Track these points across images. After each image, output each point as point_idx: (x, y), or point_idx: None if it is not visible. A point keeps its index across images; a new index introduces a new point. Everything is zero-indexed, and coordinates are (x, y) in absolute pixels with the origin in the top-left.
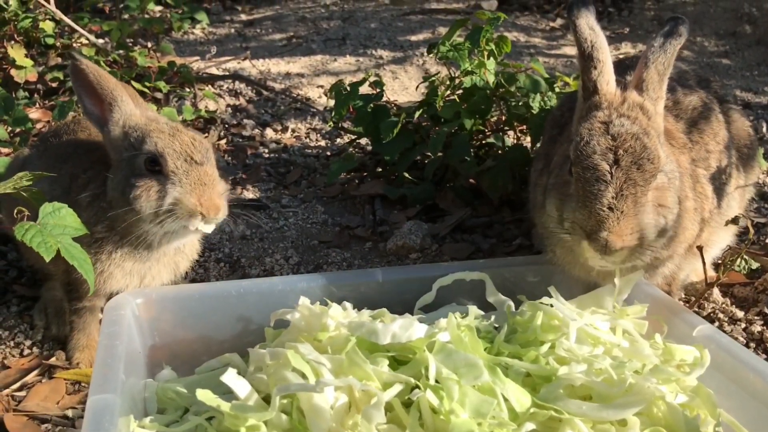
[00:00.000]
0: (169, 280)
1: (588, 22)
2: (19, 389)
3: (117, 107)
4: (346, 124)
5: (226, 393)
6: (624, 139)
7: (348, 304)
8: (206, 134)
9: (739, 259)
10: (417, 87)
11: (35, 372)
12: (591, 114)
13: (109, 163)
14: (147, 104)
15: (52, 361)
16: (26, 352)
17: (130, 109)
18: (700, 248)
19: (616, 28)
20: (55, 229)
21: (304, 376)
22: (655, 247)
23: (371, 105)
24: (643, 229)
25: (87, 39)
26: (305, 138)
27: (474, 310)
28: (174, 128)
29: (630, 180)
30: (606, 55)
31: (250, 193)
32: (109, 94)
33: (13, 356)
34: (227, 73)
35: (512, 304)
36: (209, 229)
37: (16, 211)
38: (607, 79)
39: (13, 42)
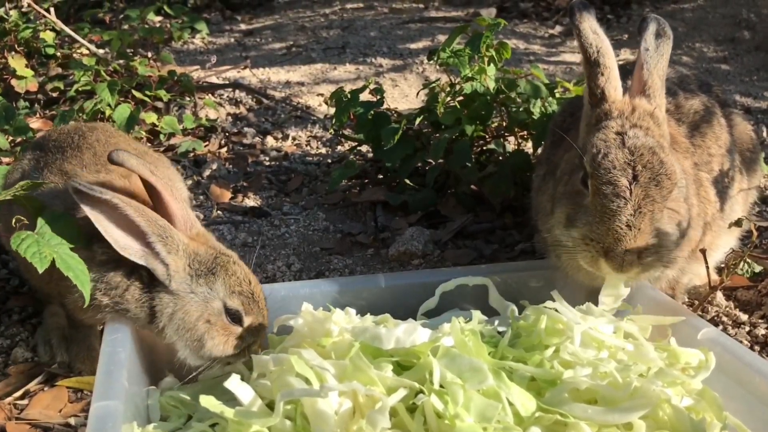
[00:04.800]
0: None
1: (591, 26)
2: (21, 397)
3: (170, 238)
4: (347, 132)
5: (230, 400)
6: (641, 154)
7: (351, 310)
8: (207, 143)
9: (742, 263)
10: (417, 94)
11: (37, 380)
12: (603, 124)
13: None
14: (182, 198)
15: (54, 368)
16: (28, 360)
17: (180, 235)
18: (703, 252)
19: (615, 35)
20: (52, 239)
21: (307, 381)
22: (670, 259)
23: (372, 112)
24: (658, 244)
25: (87, 49)
26: (306, 146)
27: (477, 314)
28: (246, 274)
29: (648, 197)
30: (612, 61)
31: (251, 201)
32: (156, 226)
33: (15, 364)
34: (227, 82)
35: (516, 308)
36: None
37: (14, 220)
38: (614, 86)
39: (13, 52)
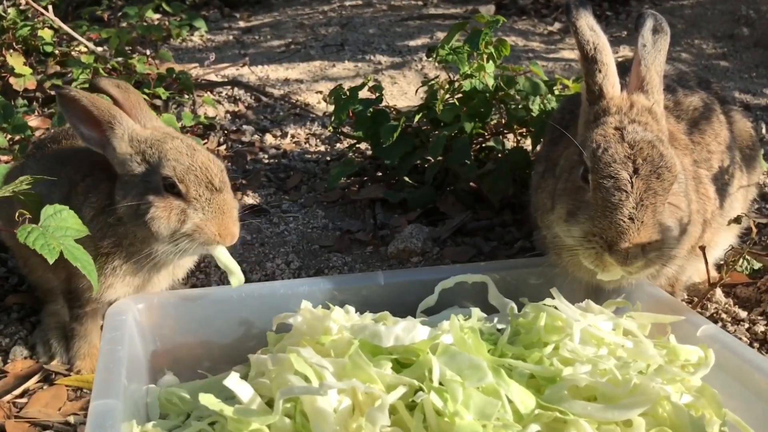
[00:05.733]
0: (167, 286)
1: (588, 23)
2: (21, 396)
3: (117, 124)
4: (346, 129)
5: (229, 398)
6: (641, 148)
7: (350, 308)
8: (206, 140)
9: (741, 260)
10: (416, 91)
11: (36, 378)
12: (601, 119)
13: (109, 170)
14: (149, 111)
15: (53, 364)
16: (27, 358)
17: (129, 124)
18: (702, 249)
19: (614, 32)
20: (57, 231)
21: (307, 379)
22: (673, 254)
23: (371, 109)
24: (662, 238)
25: (86, 47)
26: (305, 143)
27: (477, 312)
28: (191, 148)
29: (650, 189)
30: (609, 57)
31: (250, 199)
32: (106, 113)
33: (14, 362)
34: (226, 80)
35: (515, 306)
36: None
37: (17, 213)
38: (612, 82)
39: (11, 50)
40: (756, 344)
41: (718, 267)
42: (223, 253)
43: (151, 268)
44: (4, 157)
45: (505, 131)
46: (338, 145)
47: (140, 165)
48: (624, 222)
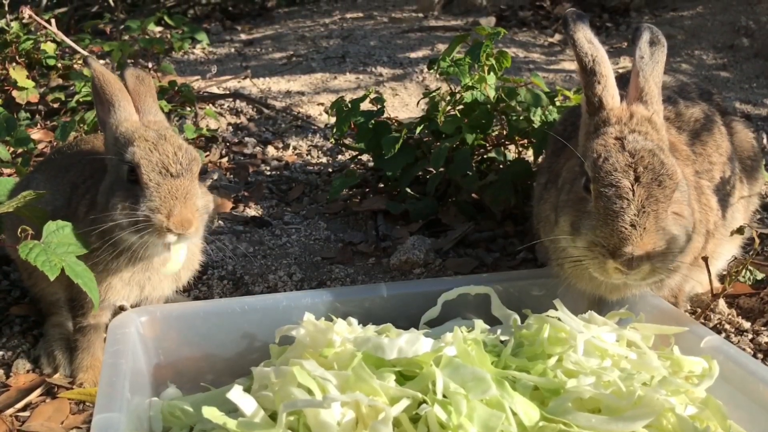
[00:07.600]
0: (171, 290)
1: (586, 36)
2: (23, 409)
3: (114, 111)
4: (348, 141)
5: (232, 411)
6: (642, 156)
7: (353, 320)
8: (208, 153)
9: (744, 270)
10: (417, 103)
11: (38, 391)
12: (602, 130)
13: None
14: (154, 105)
15: (56, 378)
16: (29, 371)
17: (127, 114)
18: (705, 259)
19: (614, 43)
20: (59, 248)
21: (310, 392)
22: (677, 262)
23: (372, 121)
24: (665, 245)
25: None
26: (306, 155)
27: (480, 323)
28: (160, 136)
29: (652, 197)
30: (608, 69)
31: (252, 211)
32: (110, 98)
33: (16, 376)
34: (228, 92)
35: (518, 317)
36: (183, 243)
37: (20, 230)
38: (611, 93)
39: (15, 63)
40: (760, 355)
41: (721, 278)
42: (179, 247)
43: (146, 266)
44: (7, 170)
45: (507, 142)
46: (340, 156)
47: (116, 156)
48: (626, 228)
